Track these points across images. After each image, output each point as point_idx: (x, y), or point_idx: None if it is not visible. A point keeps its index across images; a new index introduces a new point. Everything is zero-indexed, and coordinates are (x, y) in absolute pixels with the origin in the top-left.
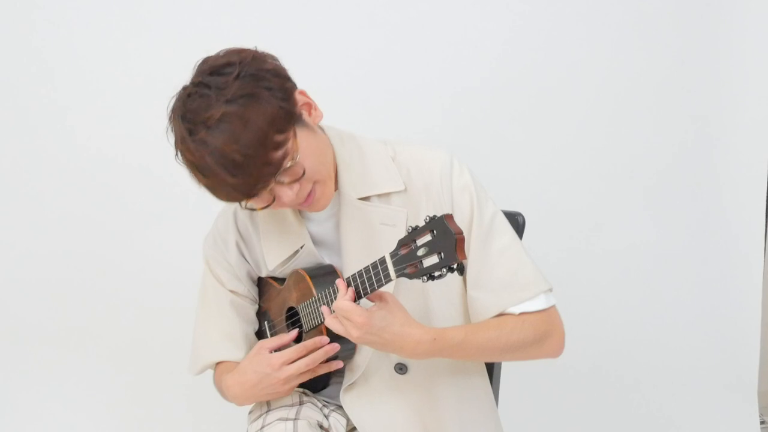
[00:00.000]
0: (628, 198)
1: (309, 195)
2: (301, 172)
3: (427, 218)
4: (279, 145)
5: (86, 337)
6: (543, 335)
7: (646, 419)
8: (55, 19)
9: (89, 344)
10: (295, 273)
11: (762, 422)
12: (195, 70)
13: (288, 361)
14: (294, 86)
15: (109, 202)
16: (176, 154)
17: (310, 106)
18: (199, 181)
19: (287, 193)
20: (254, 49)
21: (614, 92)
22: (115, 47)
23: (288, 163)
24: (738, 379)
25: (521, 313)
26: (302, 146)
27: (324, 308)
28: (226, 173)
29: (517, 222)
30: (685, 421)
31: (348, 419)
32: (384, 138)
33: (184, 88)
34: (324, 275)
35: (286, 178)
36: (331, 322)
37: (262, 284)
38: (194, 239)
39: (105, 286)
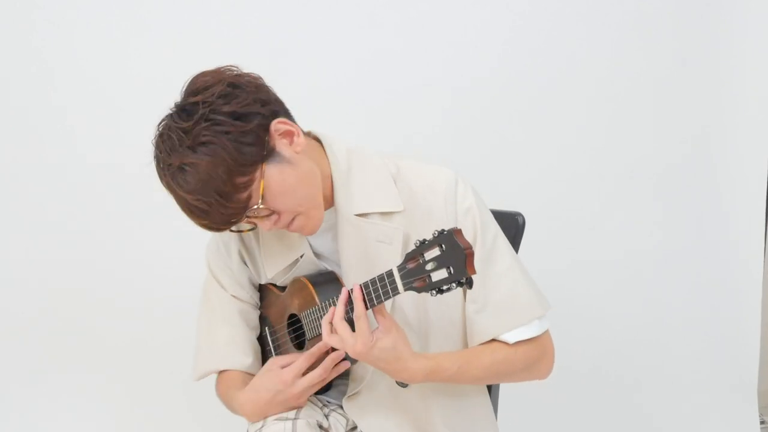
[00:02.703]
0: (629, 198)
1: (290, 223)
2: (267, 213)
3: (436, 232)
4: (242, 188)
5: (86, 337)
6: (533, 362)
7: (647, 419)
8: (55, 19)
9: (89, 344)
10: (297, 280)
11: (762, 422)
12: (181, 93)
13: (299, 373)
14: (269, 119)
15: (109, 202)
16: None
17: (291, 134)
18: None
19: (265, 223)
20: (232, 74)
21: (614, 92)
22: (115, 47)
23: (254, 206)
24: (738, 379)
25: (515, 342)
26: (272, 184)
27: (324, 324)
28: (194, 216)
29: (517, 222)
30: (685, 421)
31: (348, 419)
32: (386, 152)
33: (159, 125)
34: (326, 283)
35: (257, 214)
36: (327, 340)
37: (261, 290)
38: (195, 240)
39: (105, 286)
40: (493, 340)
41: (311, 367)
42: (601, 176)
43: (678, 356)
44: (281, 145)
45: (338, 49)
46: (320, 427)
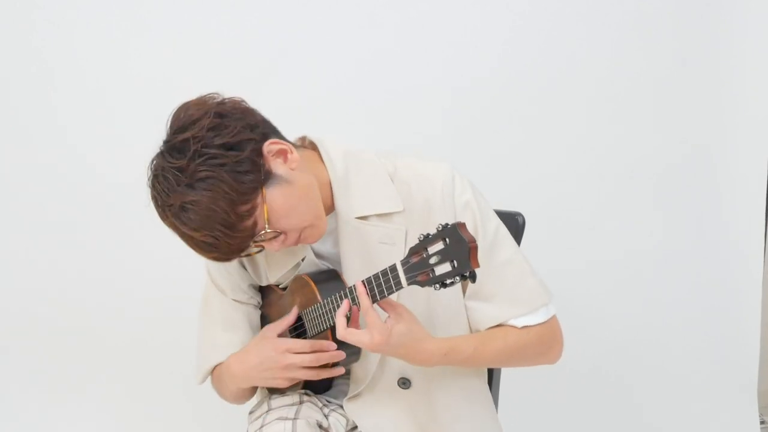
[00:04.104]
0: (629, 198)
1: (298, 239)
2: (274, 236)
3: (440, 226)
4: (246, 216)
5: (86, 337)
6: (545, 346)
7: (646, 419)
8: (55, 19)
9: (89, 344)
10: (299, 278)
11: (762, 422)
12: (167, 128)
13: (293, 349)
14: (260, 142)
15: (109, 202)
16: None
17: (285, 152)
18: None
19: (273, 245)
20: (216, 102)
21: (614, 92)
22: (115, 47)
23: (261, 232)
24: (738, 379)
25: (523, 327)
26: (275, 207)
27: (339, 318)
28: (203, 252)
29: (517, 222)
30: (685, 420)
31: (348, 419)
32: (382, 151)
33: (151, 165)
34: (328, 281)
35: (264, 238)
36: (344, 334)
37: (262, 289)
38: None
39: (105, 286)
40: (502, 325)
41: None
42: (601, 176)
43: (678, 356)
44: (276, 165)
45: (338, 49)
46: (320, 426)
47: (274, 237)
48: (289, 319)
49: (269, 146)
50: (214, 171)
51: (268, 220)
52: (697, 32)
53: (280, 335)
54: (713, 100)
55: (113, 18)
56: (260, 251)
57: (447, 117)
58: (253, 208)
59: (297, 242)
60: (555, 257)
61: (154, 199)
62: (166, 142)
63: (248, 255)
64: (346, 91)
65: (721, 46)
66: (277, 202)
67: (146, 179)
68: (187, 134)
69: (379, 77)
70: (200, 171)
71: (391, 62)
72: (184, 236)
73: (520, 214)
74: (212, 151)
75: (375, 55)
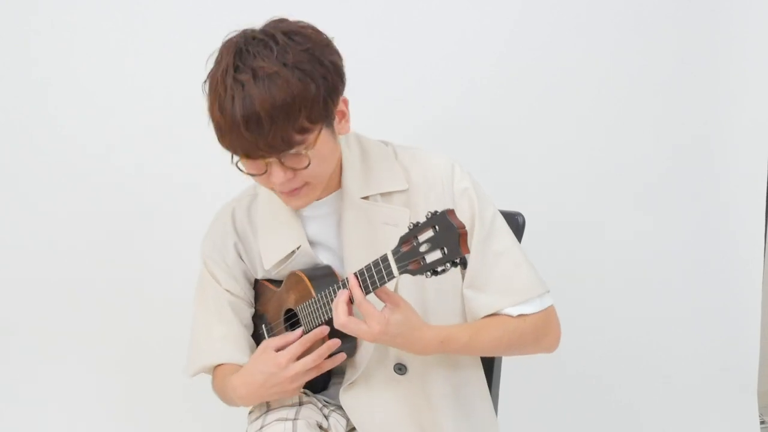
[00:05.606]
0: (629, 198)
1: (294, 189)
2: (304, 165)
3: (429, 214)
4: (303, 131)
5: (85, 337)
6: (541, 335)
7: (646, 419)
8: (54, 19)
9: (88, 344)
10: (293, 275)
11: (762, 422)
12: (268, 22)
13: (293, 357)
14: (342, 92)
15: (107, 201)
16: (205, 80)
17: (344, 115)
18: (213, 115)
19: (279, 174)
20: (331, 38)
21: (614, 93)
22: (112, 46)
23: (300, 150)
24: (738, 379)
25: (519, 315)
26: (319, 146)
27: (339, 308)
28: (243, 125)
29: (517, 222)
30: (684, 420)
31: (348, 419)
32: (384, 140)
33: (252, 31)
34: (322, 276)
35: (288, 161)
36: (345, 321)
37: (257, 287)
38: (193, 239)
39: (104, 286)
40: (498, 314)
41: (307, 354)
42: (602, 176)
43: (677, 356)
44: (336, 120)
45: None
46: (320, 427)
47: (289, 168)
48: (289, 338)
49: (342, 102)
50: (315, 74)
51: (313, 145)
52: (697, 32)
53: (280, 349)
54: (713, 99)
55: (112, 18)
56: (257, 175)
57: (447, 117)
58: (309, 130)
59: (295, 192)
60: (555, 257)
61: (238, 53)
62: (277, 27)
63: (251, 174)
64: (346, 92)
65: (721, 46)
66: (322, 143)
67: (231, 35)
68: (309, 33)
69: (378, 77)
70: (306, 64)
71: (390, 62)
72: (242, 99)
73: (520, 214)
74: (325, 60)
75: (375, 55)
